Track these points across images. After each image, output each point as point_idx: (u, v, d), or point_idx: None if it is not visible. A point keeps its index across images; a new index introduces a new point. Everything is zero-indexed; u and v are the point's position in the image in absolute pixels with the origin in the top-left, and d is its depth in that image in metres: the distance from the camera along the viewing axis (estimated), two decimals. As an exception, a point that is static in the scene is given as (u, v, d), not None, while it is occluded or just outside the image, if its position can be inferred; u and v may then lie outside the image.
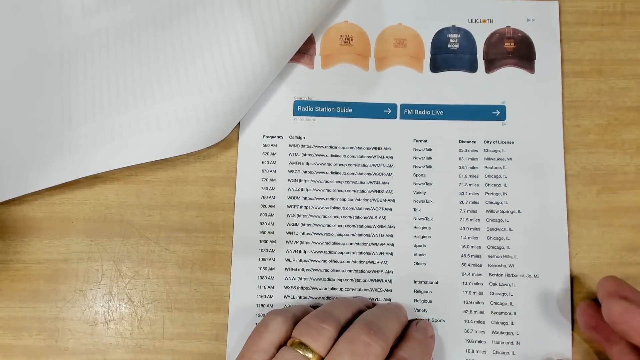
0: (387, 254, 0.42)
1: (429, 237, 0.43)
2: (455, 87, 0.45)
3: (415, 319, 0.40)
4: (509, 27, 0.45)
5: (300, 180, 0.43)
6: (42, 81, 0.43)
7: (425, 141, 0.44)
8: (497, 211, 0.43)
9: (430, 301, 0.42)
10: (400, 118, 0.44)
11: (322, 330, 0.33)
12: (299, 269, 0.42)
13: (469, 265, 0.42)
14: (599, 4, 0.45)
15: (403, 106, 0.44)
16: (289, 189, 0.43)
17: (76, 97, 0.42)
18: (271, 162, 0.44)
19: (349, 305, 0.37)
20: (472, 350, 0.41)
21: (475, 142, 0.44)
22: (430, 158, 0.44)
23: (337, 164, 0.44)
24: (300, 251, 0.43)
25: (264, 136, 0.44)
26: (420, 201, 0.43)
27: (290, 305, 0.40)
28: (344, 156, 0.44)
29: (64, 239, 0.43)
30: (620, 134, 0.44)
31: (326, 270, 0.42)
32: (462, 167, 0.44)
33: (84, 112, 0.42)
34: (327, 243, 0.43)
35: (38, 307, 0.42)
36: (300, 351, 0.33)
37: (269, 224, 0.43)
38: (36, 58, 0.43)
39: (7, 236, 0.43)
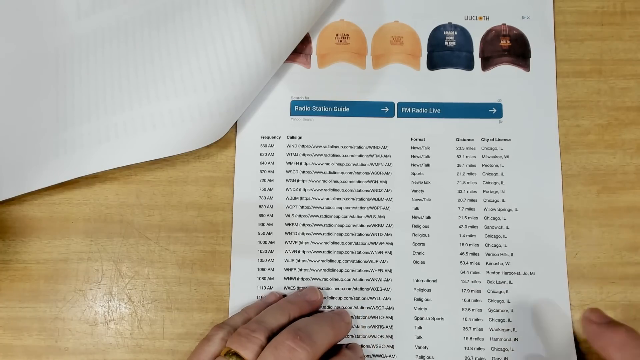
0: (386, 252, 0.40)
1: (428, 235, 0.40)
2: (452, 85, 0.42)
3: (347, 344, 0.38)
4: (504, 24, 0.43)
5: (298, 180, 0.41)
6: (37, 81, 0.40)
7: (423, 139, 0.41)
8: (494, 209, 0.41)
9: (430, 299, 0.39)
10: (398, 116, 0.41)
11: (251, 339, 0.33)
12: (298, 269, 0.40)
13: (467, 263, 0.40)
14: (599, 4, 0.43)
15: (400, 104, 0.42)
16: (287, 189, 0.41)
17: (71, 97, 0.40)
18: (269, 162, 0.41)
19: (284, 312, 0.36)
20: (471, 348, 0.39)
21: (472, 139, 0.42)
22: (428, 156, 0.41)
23: (335, 164, 0.41)
24: (299, 251, 0.40)
25: (261, 136, 0.42)
26: (418, 200, 0.41)
27: (234, 314, 0.38)
28: (341, 155, 0.41)
29: (64, 239, 0.41)
30: (620, 134, 0.41)
31: (325, 270, 0.40)
32: (459, 165, 0.41)
33: (79, 113, 0.40)
34: (326, 243, 0.40)
35: (38, 307, 0.40)
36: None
37: (267, 224, 0.41)
38: (31, 58, 0.41)
39: (7, 236, 0.41)
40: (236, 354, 0.32)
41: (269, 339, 0.33)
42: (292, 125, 0.41)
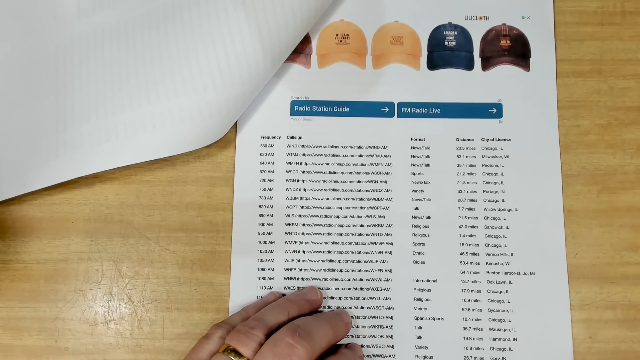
0: (386, 252, 0.40)
1: (428, 235, 0.40)
2: (452, 85, 0.42)
3: (346, 344, 0.38)
4: (504, 24, 0.43)
5: (298, 180, 0.41)
6: (37, 81, 0.40)
7: (423, 139, 0.41)
8: (494, 209, 0.40)
9: (430, 299, 0.39)
10: (398, 116, 0.41)
11: (250, 335, 0.33)
12: (298, 269, 0.40)
13: (467, 263, 0.40)
14: (599, 4, 0.43)
15: (400, 104, 0.42)
16: (287, 189, 0.41)
17: (71, 97, 0.40)
18: (269, 162, 0.41)
19: (283, 310, 0.36)
20: (471, 348, 0.39)
21: (472, 139, 0.41)
22: (428, 156, 0.41)
23: (335, 164, 0.41)
24: (299, 251, 0.40)
25: (261, 136, 0.42)
26: (418, 200, 0.41)
27: (234, 314, 0.38)
28: (341, 155, 0.41)
29: (64, 239, 0.40)
30: (620, 134, 0.41)
31: (325, 270, 0.40)
32: (459, 165, 0.41)
33: (79, 113, 0.39)
34: (326, 243, 0.40)
35: (38, 307, 0.40)
36: (231, 356, 0.32)
37: (267, 224, 0.40)
38: (31, 58, 0.41)
39: (7, 236, 0.40)
40: (235, 351, 0.32)
41: (268, 336, 0.33)
42: (292, 125, 0.41)
